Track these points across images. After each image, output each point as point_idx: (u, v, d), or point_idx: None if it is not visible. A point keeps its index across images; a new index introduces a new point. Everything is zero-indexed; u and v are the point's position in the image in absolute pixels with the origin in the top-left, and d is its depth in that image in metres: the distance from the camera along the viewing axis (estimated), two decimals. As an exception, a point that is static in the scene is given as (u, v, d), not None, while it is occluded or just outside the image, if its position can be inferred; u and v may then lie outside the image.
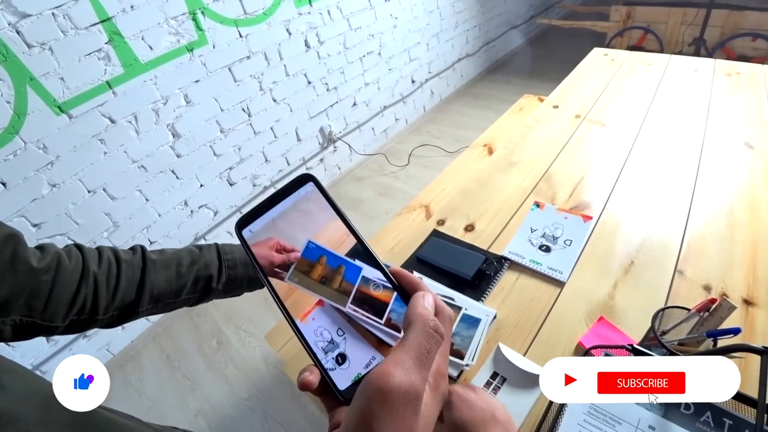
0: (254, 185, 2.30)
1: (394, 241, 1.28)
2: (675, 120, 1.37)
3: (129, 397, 1.81)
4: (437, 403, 0.25)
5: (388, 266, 0.32)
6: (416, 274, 0.93)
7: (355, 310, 0.32)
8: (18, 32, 1.35)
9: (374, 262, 0.32)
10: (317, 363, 0.30)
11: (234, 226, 0.33)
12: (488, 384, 0.73)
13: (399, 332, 0.30)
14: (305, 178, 0.33)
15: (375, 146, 3.01)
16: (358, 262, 0.33)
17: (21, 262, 0.44)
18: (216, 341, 1.95)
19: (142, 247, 0.58)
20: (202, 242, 2.12)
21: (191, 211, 2.05)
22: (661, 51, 2.90)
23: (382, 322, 0.32)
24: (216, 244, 0.64)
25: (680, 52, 2.86)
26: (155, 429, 0.42)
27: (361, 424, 0.22)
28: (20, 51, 1.37)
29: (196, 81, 1.84)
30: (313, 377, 0.28)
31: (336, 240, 0.33)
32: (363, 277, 0.33)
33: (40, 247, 0.49)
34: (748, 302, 0.82)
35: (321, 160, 2.64)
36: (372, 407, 0.22)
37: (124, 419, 0.37)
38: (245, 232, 0.33)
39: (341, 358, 0.31)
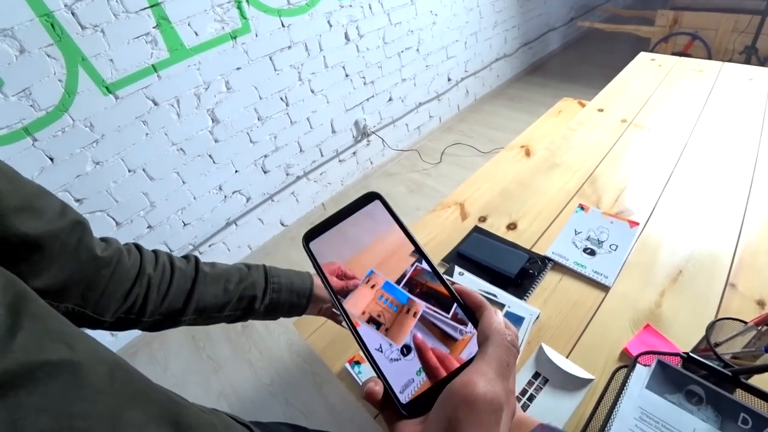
0: (287, 174, 2.32)
1: (427, 238, 1.27)
2: (727, 129, 1.32)
3: (154, 373, 1.85)
4: (510, 418, 0.26)
5: (453, 283, 0.32)
6: (457, 270, 0.92)
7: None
8: (73, 14, 1.39)
9: (440, 281, 0.33)
10: (381, 376, 0.30)
11: (302, 238, 0.33)
12: (530, 384, 0.72)
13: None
14: (372, 196, 0.34)
15: (408, 142, 3.00)
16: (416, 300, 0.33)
17: (85, 251, 0.44)
18: (241, 325, 1.98)
19: (196, 258, 0.59)
20: (233, 228, 2.16)
21: (225, 196, 2.09)
22: (709, 59, 2.79)
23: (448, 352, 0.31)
24: (264, 266, 0.64)
25: (729, 61, 2.75)
26: (201, 410, 0.42)
27: (448, 429, 0.24)
28: (74, 32, 1.42)
29: (238, 68, 1.87)
30: (378, 388, 0.29)
31: (400, 257, 0.33)
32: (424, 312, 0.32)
33: (105, 240, 0.49)
34: (804, 322, 0.78)
35: (354, 153, 2.65)
36: (458, 415, 0.23)
37: (175, 396, 0.37)
38: (312, 245, 0.33)
39: None
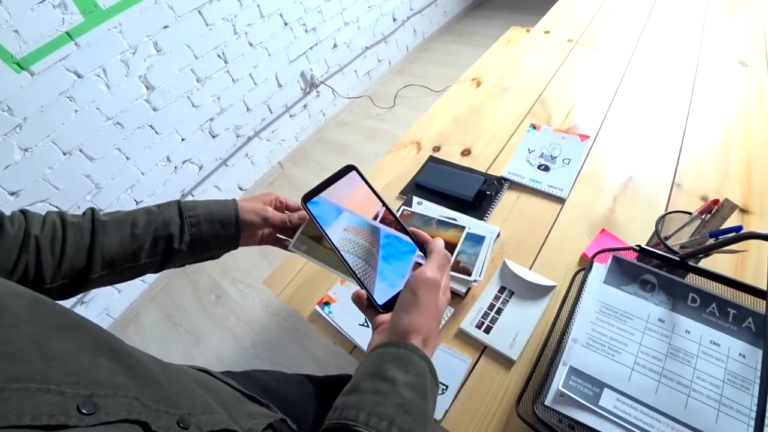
0: (238, 136, 2.22)
1: (387, 179, 1.25)
2: (669, 40, 1.34)
3: (134, 356, 1.82)
4: (446, 301, 0.45)
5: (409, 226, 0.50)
6: (415, 200, 0.92)
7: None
8: (-44, -21, 1.22)
9: (398, 224, 0.49)
10: (364, 287, 0.46)
11: (300, 200, 0.49)
12: (497, 298, 0.74)
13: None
14: (349, 168, 0.50)
15: (359, 90, 2.91)
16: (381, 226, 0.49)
17: None
18: (215, 295, 1.96)
19: (93, 210, 0.53)
20: (189, 198, 2.08)
21: (175, 167, 1.98)
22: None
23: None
24: (178, 201, 0.57)
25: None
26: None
27: (411, 295, 0.42)
28: (-37, 2, 1.25)
29: (165, 27, 1.72)
30: (363, 293, 0.46)
31: (373, 205, 0.50)
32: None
33: None
34: (744, 211, 0.84)
35: (304, 106, 2.55)
36: (417, 286, 0.42)
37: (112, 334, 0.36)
38: (309, 205, 0.48)
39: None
